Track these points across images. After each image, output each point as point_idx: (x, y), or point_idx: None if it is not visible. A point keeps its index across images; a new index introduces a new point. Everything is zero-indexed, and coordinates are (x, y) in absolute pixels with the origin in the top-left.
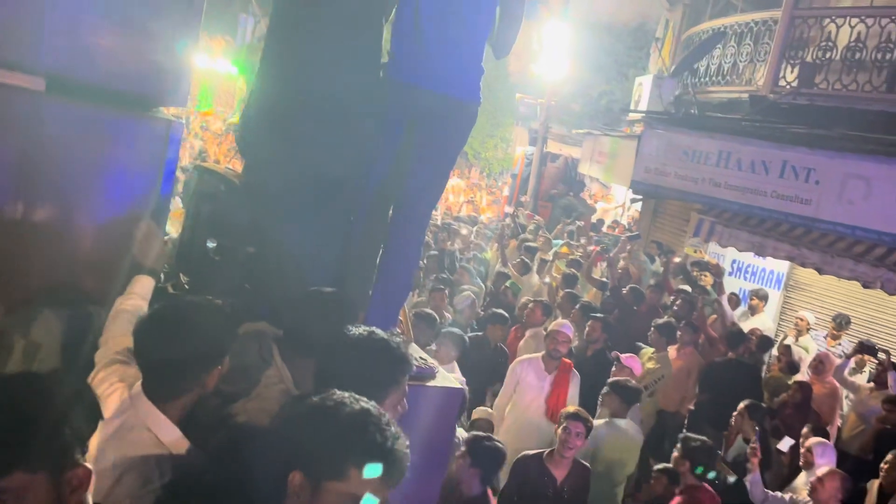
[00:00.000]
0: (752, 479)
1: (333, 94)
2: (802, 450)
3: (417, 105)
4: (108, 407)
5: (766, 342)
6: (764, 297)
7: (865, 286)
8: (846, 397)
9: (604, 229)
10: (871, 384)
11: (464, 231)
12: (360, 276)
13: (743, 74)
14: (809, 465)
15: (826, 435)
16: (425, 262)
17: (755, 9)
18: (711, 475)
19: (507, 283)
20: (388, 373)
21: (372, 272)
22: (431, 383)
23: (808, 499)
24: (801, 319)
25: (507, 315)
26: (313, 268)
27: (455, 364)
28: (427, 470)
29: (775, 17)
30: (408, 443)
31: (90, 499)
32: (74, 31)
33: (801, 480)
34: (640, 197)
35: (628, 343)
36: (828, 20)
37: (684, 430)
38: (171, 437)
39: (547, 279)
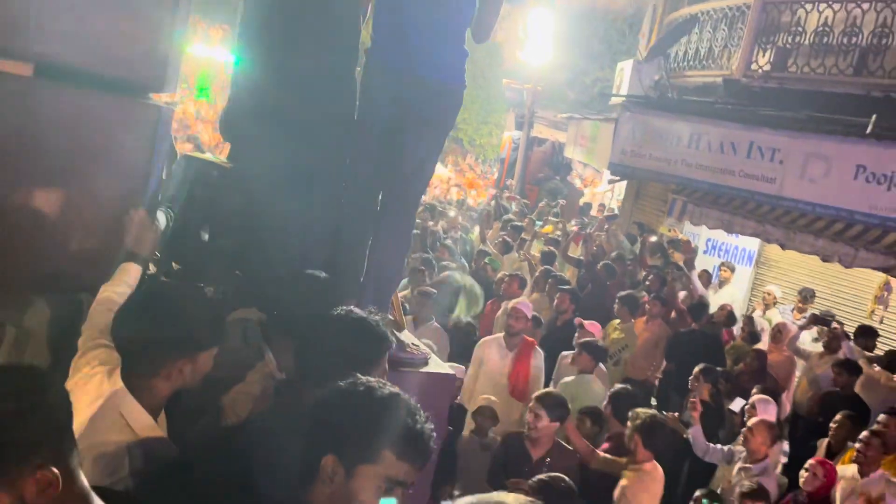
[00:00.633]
0: (693, 432)
1: (315, 80)
2: (747, 406)
3: (403, 90)
4: (89, 391)
5: (730, 318)
6: (732, 268)
7: (824, 260)
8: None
9: (592, 213)
10: (822, 350)
11: (451, 213)
12: (350, 263)
13: (718, 59)
14: (752, 419)
15: (774, 395)
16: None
17: None
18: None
19: (487, 259)
20: (367, 350)
21: (363, 259)
22: (423, 369)
23: (743, 448)
24: (769, 294)
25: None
26: (303, 254)
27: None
28: None
29: (749, 3)
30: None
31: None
32: (63, 16)
33: None
34: (618, 178)
35: (601, 316)
36: (798, 6)
37: (653, 398)
38: (141, 424)
39: (526, 256)
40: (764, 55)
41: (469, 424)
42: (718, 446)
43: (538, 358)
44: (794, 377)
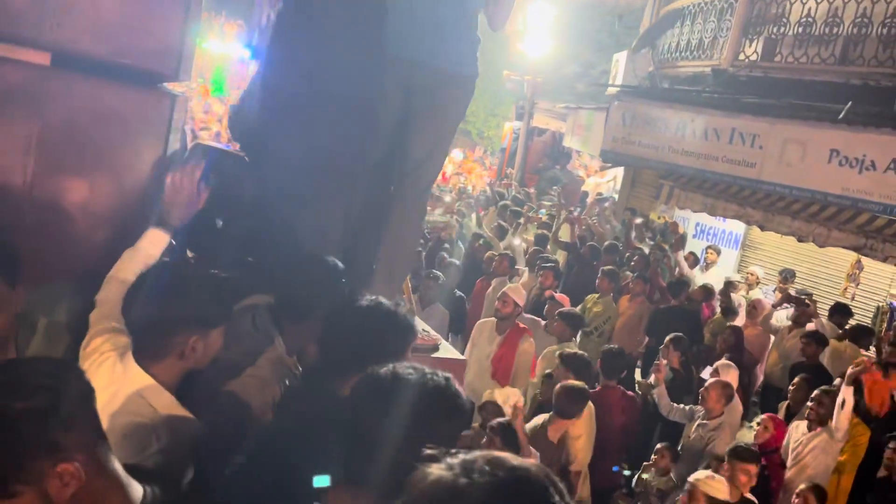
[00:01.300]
0: (658, 392)
1: (340, 73)
2: (711, 370)
3: (414, 79)
4: (101, 375)
5: (708, 293)
6: (718, 251)
7: (800, 240)
8: None
9: (588, 200)
10: (790, 324)
11: (447, 198)
12: (362, 250)
13: (708, 50)
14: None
15: (749, 368)
16: None
17: None
18: None
19: (481, 241)
20: (395, 341)
21: (376, 246)
22: (435, 355)
23: (702, 407)
24: (752, 274)
25: None
26: (315, 241)
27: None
28: None
29: None
30: None
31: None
32: (79, 6)
33: None
34: (610, 164)
35: (587, 294)
36: None
37: (636, 371)
38: (163, 402)
39: (518, 240)
40: (751, 46)
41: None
42: (681, 406)
43: (527, 344)
44: (767, 350)
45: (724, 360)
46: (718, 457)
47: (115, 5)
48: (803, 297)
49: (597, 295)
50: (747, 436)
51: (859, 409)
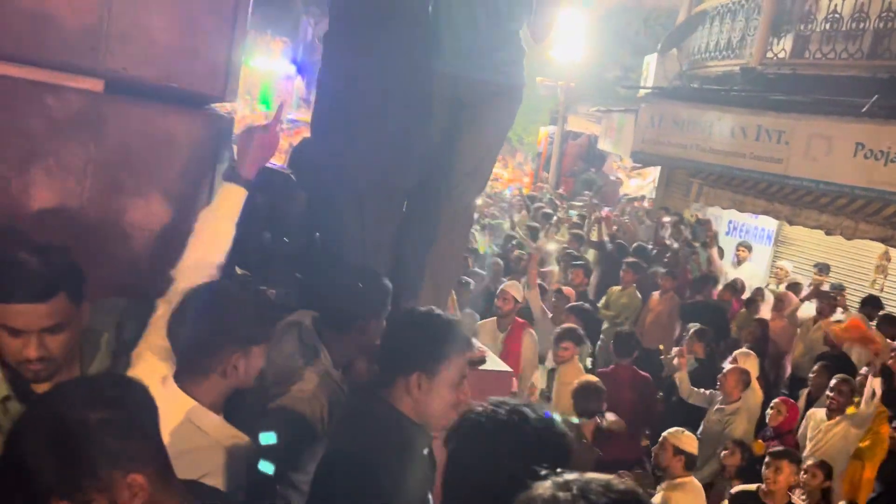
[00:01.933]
0: (679, 377)
1: (392, 94)
2: (730, 358)
3: (461, 94)
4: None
5: (734, 290)
6: (749, 248)
7: (828, 233)
8: None
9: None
10: (815, 315)
11: (478, 201)
12: (411, 263)
13: (737, 49)
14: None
15: (777, 360)
16: None
17: None
18: None
19: (514, 242)
20: (450, 351)
21: (423, 259)
22: (483, 367)
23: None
24: (781, 269)
25: None
26: (368, 257)
27: None
28: None
29: None
30: None
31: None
32: (131, 34)
33: None
34: (640, 165)
35: None
36: None
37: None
38: (213, 424)
39: (548, 241)
40: (779, 43)
41: None
42: (701, 390)
43: (530, 338)
44: (794, 342)
45: (743, 349)
46: (735, 440)
47: (166, 31)
48: (832, 292)
49: (619, 287)
50: None
51: (887, 398)
